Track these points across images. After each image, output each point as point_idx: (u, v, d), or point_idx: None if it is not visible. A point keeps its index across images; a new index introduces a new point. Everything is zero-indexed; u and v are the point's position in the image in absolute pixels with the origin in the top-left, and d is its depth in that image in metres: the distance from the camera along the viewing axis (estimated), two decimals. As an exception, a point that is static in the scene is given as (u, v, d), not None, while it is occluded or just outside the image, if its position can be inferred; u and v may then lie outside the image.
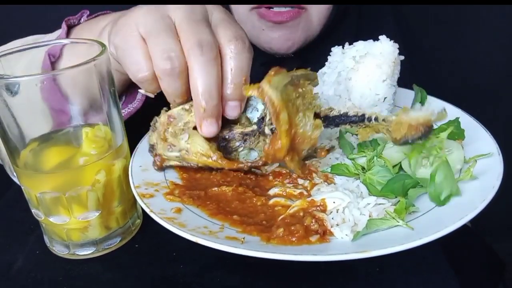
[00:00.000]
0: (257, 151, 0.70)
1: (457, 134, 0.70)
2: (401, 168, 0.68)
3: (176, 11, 0.63)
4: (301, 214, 0.61)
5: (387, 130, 0.66)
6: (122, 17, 0.65)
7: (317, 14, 1.01)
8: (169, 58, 0.60)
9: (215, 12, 0.66)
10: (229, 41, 0.63)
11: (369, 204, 0.62)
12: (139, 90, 0.67)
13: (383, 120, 0.65)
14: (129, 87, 0.87)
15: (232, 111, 0.66)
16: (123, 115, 0.86)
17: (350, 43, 0.82)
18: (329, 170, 0.70)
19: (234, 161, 0.69)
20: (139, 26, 0.62)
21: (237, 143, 0.70)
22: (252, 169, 0.72)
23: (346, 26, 1.13)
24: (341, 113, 0.67)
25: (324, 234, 0.58)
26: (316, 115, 0.67)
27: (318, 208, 0.62)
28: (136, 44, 0.62)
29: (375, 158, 0.68)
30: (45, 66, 0.76)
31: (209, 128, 0.65)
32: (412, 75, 0.99)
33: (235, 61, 0.63)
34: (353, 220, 0.60)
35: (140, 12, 0.63)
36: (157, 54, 0.61)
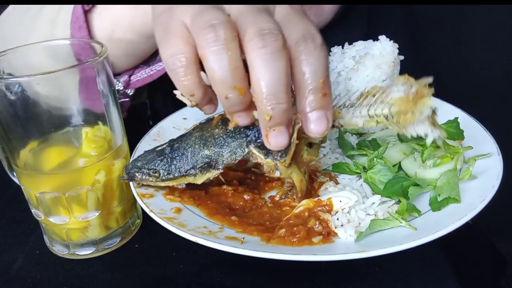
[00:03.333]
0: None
1: (457, 134, 0.70)
2: (400, 168, 0.69)
3: (231, 6, 0.54)
4: (306, 214, 0.61)
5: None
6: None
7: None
8: (212, 26, 0.50)
9: (278, 6, 0.56)
10: (296, 42, 0.52)
11: (374, 203, 0.62)
12: (175, 92, 0.57)
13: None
14: None
15: (316, 124, 0.54)
16: (160, 68, 0.81)
17: (362, 32, 0.82)
18: (330, 168, 0.70)
19: None
20: (185, 14, 0.53)
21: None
22: (252, 169, 0.72)
23: (357, 14, 1.12)
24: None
25: (328, 235, 0.58)
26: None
27: (324, 208, 0.61)
28: (177, 31, 0.53)
29: (375, 158, 0.68)
30: (77, 14, 0.75)
31: (278, 138, 0.54)
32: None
33: (307, 64, 0.52)
34: (358, 220, 0.60)
35: (188, 4, 0.55)
36: (198, 27, 0.51)
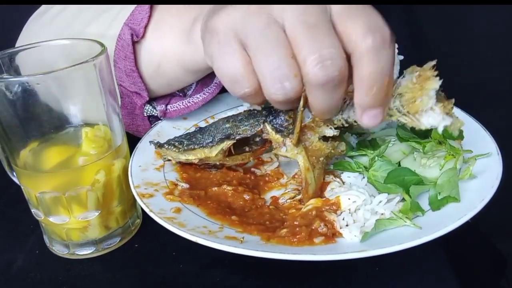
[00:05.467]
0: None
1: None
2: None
3: (284, 12, 0.52)
4: (314, 213, 0.61)
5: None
6: (215, 17, 0.55)
7: None
8: (283, 88, 0.52)
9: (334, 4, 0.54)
10: (362, 37, 0.50)
11: (381, 201, 0.62)
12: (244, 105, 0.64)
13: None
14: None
15: (371, 119, 0.55)
16: (197, 101, 0.83)
17: None
18: (331, 167, 0.70)
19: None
20: (239, 34, 0.53)
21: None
22: (252, 169, 0.72)
23: None
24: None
25: (333, 236, 0.57)
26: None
27: (331, 207, 0.61)
28: (235, 57, 0.54)
29: (376, 157, 0.68)
30: (124, 44, 0.74)
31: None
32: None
33: (372, 63, 0.51)
34: (363, 220, 0.59)
35: (238, 15, 0.53)
36: (267, 80, 0.53)
